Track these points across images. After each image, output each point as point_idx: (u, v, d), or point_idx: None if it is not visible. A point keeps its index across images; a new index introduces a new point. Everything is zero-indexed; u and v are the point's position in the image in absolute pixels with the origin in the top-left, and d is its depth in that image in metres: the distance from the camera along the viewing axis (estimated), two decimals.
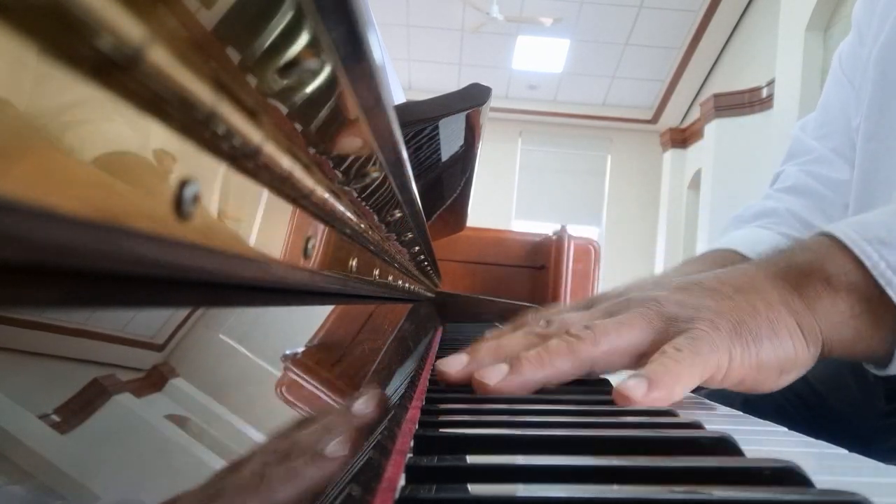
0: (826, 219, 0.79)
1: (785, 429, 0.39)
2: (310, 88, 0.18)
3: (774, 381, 0.47)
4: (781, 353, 0.45)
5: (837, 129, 0.84)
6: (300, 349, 0.39)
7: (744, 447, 0.27)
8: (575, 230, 1.87)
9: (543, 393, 0.43)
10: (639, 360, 0.45)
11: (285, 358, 0.37)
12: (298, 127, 0.19)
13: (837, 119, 0.86)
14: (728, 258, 0.75)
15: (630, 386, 0.39)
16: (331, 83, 0.18)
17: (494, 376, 0.42)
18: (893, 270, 0.46)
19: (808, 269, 0.48)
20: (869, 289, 0.46)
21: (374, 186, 0.32)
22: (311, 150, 0.21)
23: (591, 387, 0.46)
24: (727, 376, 0.44)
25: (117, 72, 0.10)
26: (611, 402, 0.40)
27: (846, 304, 0.47)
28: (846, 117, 0.82)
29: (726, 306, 0.45)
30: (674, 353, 0.41)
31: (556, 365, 0.43)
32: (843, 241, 0.47)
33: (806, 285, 0.47)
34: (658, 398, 0.39)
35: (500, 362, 0.43)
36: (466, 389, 0.43)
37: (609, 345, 0.44)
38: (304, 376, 0.39)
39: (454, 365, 0.44)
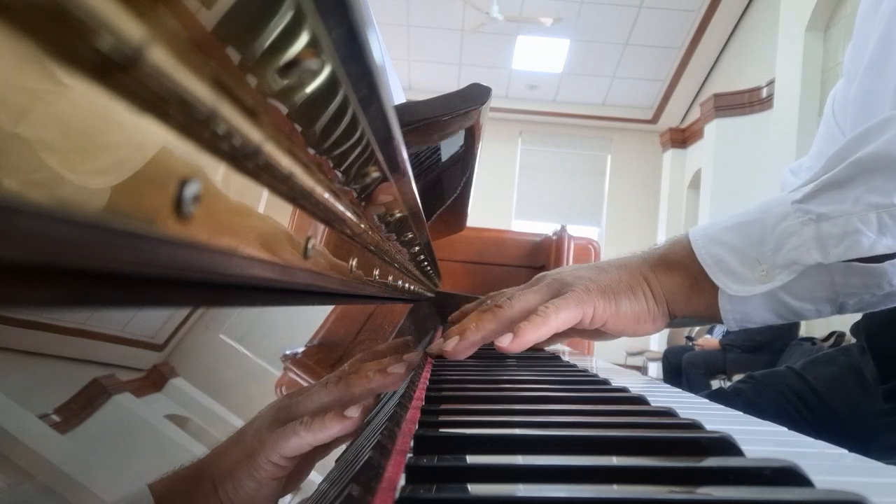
0: None
1: (785, 429, 0.39)
2: (310, 88, 0.18)
3: (633, 328, 0.70)
4: (637, 306, 0.69)
5: (817, 167, 0.99)
6: (300, 349, 0.39)
7: (744, 447, 0.27)
8: (575, 230, 1.87)
9: (544, 392, 0.43)
10: None
11: (285, 358, 0.37)
12: (298, 127, 0.19)
13: (820, 157, 0.97)
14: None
15: (500, 339, 0.62)
16: (331, 83, 0.18)
17: (450, 345, 0.64)
18: (709, 255, 0.67)
19: (663, 256, 0.72)
20: (694, 269, 0.68)
21: (374, 186, 0.32)
22: (311, 150, 0.21)
23: (591, 386, 0.46)
24: (593, 320, 0.67)
25: (117, 72, 0.10)
26: (612, 402, 0.40)
27: (680, 278, 0.70)
28: None
29: (602, 277, 0.70)
30: (542, 310, 0.64)
31: (486, 328, 0.65)
32: (690, 236, 0.70)
33: (659, 266, 0.71)
34: (521, 343, 0.61)
35: (456, 336, 0.64)
36: (466, 389, 0.43)
37: (521, 308, 0.66)
38: (304, 376, 0.39)
39: (433, 348, 0.66)
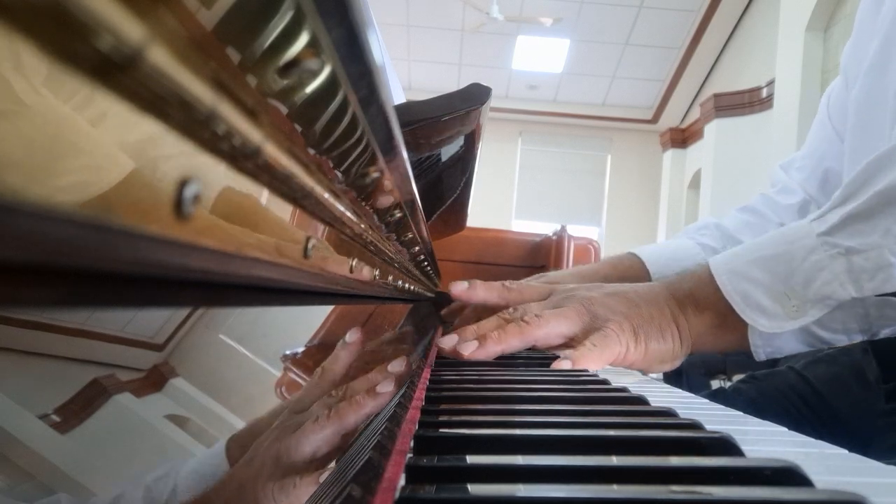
0: (751, 232, 1.02)
1: (785, 429, 0.39)
2: (310, 88, 0.18)
3: (655, 367, 0.70)
4: (663, 348, 0.68)
5: (808, 166, 1.01)
6: (300, 349, 0.39)
7: (744, 447, 0.27)
8: (575, 230, 1.87)
9: (544, 392, 0.43)
10: (569, 341, 0.67)
11: (285, 358, 0.37)
12: (298, 127, 0.19)
13: (812, 156, 1.01)
14: (634, 264, 1.03)
15: (561, 364, 0.61)
16: (331, 83, 0.18)
17: (467, 349, 0.63)
18: (736, 292, 0.66)
19: (688, 293, 0.70)
20: (723, 307, 0.67)
21: (374, 186, 0.32)
22: (311, 150, 0.21)
23: (591, 386, 0.46)
24: (623, 361, 0.67)
25: (117, 72, 0.10)
26: (612, 402, 0.40)
27: (709, 318, 0.68)
28: (820, 160, 0.99)
29: (633, 313, 0.68)
30: (590, 346, 0.63)
31: (509, 342, 0.65)
32: (712, 270, 0.68)
33: (685, 305, 0.69)
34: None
35: (475, 339, 0.64)
36: (466, 389, 0.43)
37: (548, 329, 0.66)
38: (304, 376, 0.39)
39: (447, 342, 0.65)
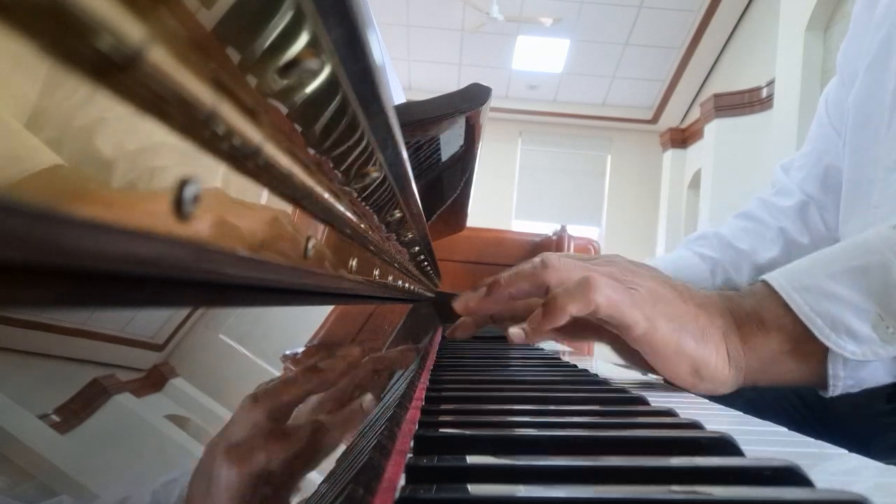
0: (749, 239, 0.98)
1: (785, 429, 0.39)
2: (310, 88, 0.18)
3: (686, 377, 0.56)
4: (701, 353, 0.55)
5: (807, 165, 0.99)
6: (300, 349, 0.39)
7: (744, 447, 0.27)
8: (575, 230, 1.86)
9: (544, 392, 0.43)
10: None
11: (285, 358, 0.37)
12: (298, 127, 0.19)
13: (811, 154, 0.99)
14: None
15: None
16: (331, 83, 0.18)
17: (474, 297, 0.59)
18: (816, 312, 0.54)
19: (749, 312, 0.57)
20: (796, 329, 0.55)
21: (374, 186, 0.32)
22: (311, 150, 0.21)
23: (591, 386, 0.46)
24: (643, 338, 0.54)
25: (117, 72, 0.10)
26: (612, 403, 0.40)
27: (776, 342, 0.56)
28: (820, 157, 0.97)
29: (679, 305, 0.57)
30: (586, 282, 0.54)
31: (519, 285, 0.58)
32: (775, 288, 0.56)
33: (745, 324, 0.57)
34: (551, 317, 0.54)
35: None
36: (466, 389, 0.43)
37: (562, 277, 0.57)
38: None
39: (461, 301, 0.62)
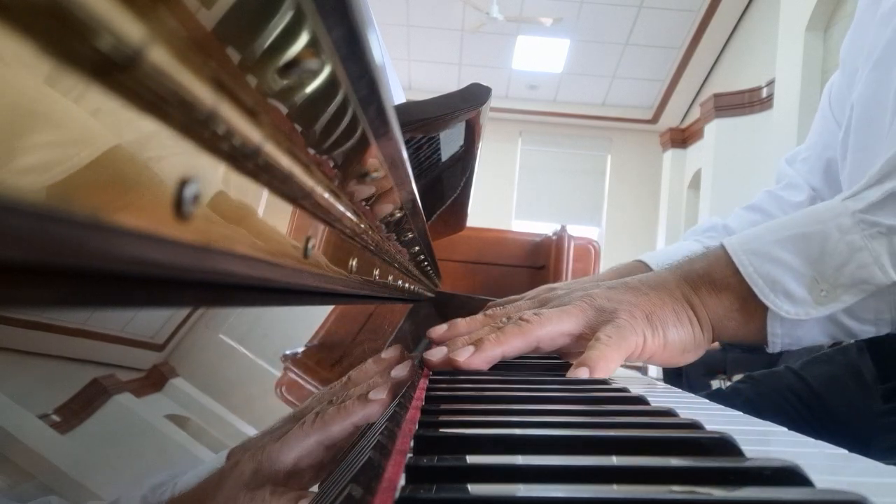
0: None
1: (785, 429, 0.39)
2: (310, 88, 0.18)
3: (678, 358, 0.61)
4: (683, 335, 0.60)
5: (812, 157, 1.00)
6: (300, 349, 0.39)
7: (744, 447, 0.27)
8: (575, 230, 1.87)
9: (544, 392, 0.43)
10: (577, 340, 0.58)
11: (285, 358, 0.37)
12: (298, 127, 0.19)
13: (815, 147, 0.99)
14: (638, 268, 0.97)
15: (578, 373, 0.52)
16: (331, 83, 0.18)
17: (463, 355, 0.53)
18: (760, 275, 0.59)
19: (702, 274, 0.62)
20: (743, 289, 0.60)
21: (374, 186, 0.32)
22: (311, 150, 0.21)
23: (591, 386, 0.46)
24: (642, 353, 0.58)
25: (117, 72, 0.10)
26: (612, 402, 0.40)
27: (728, 300, 0.61)
28: (823, 150, 0.97)
29: (642, 300, 0.59)
30: (605, 340, 0.54)
31: (510, 342, 0.55)
32: (728, 250, 0.61)
33: (700, 286, 0.61)
34: (598, 376, 0.52)
35: (469, 345, 0.55)
36: (466, 389, 0.43)
37: (551, 327, 0.57)
38: (304, 376, 0.39)
39: (436, 354, 0.55)
